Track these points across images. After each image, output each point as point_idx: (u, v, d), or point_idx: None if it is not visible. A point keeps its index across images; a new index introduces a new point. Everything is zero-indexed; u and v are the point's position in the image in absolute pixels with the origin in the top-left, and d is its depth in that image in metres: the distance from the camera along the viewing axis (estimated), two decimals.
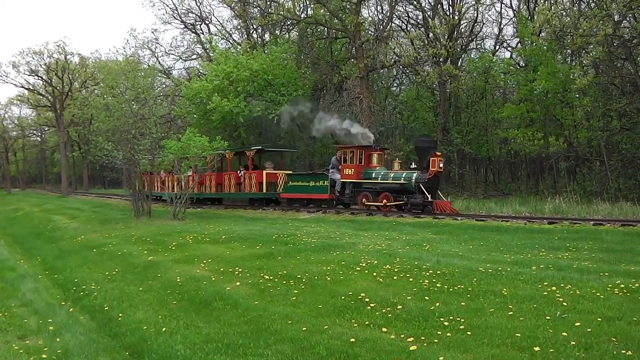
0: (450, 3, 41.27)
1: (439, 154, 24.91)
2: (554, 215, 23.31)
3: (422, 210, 24.12)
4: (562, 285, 9.89)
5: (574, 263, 11.86)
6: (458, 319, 8.37)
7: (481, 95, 40.17)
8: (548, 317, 8.21)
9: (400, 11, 42.29)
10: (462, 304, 9.10)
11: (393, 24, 41.48)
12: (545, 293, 9.46)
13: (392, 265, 11.96)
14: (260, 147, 32.64)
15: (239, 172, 33.15)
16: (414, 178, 24.36)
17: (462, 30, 42.60)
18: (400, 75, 47.58)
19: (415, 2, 40.32)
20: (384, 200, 25.41)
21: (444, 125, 37.72)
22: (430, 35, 38.63)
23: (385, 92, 46.18)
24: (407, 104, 43.06)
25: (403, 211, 24.80)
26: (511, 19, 43.80)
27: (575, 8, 34.97)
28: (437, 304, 9.11)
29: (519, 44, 39.51)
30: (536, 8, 36.42)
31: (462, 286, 10.10)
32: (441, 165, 24.60)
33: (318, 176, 28.58)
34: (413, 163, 26.09)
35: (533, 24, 34.21)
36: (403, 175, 25.02)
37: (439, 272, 11.19)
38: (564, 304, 8.84)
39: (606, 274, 10.70)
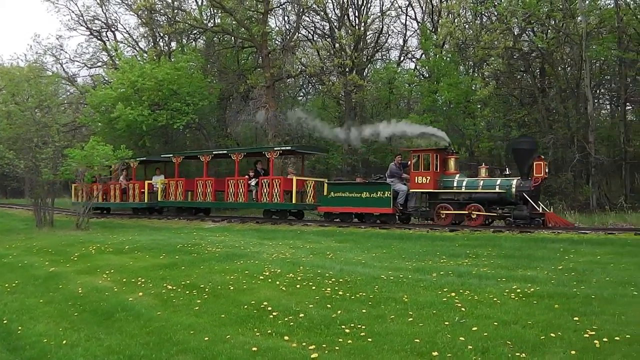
0: (356, 14, 41.78)
1: (542, 157, 21.25)
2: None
3: (528, 224, 20.07)
4: (461, 291, 10.16)
5: (473, 269, 12.20)
6: (359, 326, 8.48)
7: (386, 105, 40.71)
8: (447, 323, 8.41)
9: (307, 21, 42.78)
10: (364, 311, 9.23)
11: (300, 34, 41.90)
12: (445, 299, 9.70)
13: (296, 273, 12.05)
14: (289, 147, 28.14)
15: (248, 177, 27.90)
16: (514, 186, 20.43)
17: (368, 41, 43.16)
18: (307, 84, 47.92)
19: (321, 13, 40.73)
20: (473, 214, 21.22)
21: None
22: (337, 45, 39.08)
23: (291, 102, 46.37)
24: (313, 113, 43.32)
25: (488, 225, 21.32)
26: (415, 30, 44.62)
27: (477, 21, 35.90)
28: (339, 312, 9.21)
29: (424, 55, 40.26)
30: (440, 21, 37.21)
31: (364, 294, 10.24)
32: (547, 170, 21.13)
33: (377, 186, 23.45)
34: (507, 169, 22.46)
35: (437, 35, 34.97)
36: (498, 183, 21.00)
37: (341, 280, 11.33)
38: (463, 309, 9.09)
39: (504, 279, 11.05)
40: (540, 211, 20.17)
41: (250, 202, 28.04)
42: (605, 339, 7.38)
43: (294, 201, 26.06)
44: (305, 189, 26.84)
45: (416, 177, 22.48)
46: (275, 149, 27.62)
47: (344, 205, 24.29)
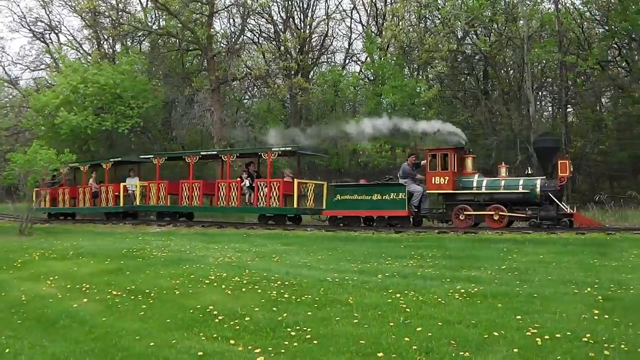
0: (302, 17, 41.88)
1: (567, 156, 20.87)
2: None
3: (555, 225, 19.25)
4: (406, 292, 10.20)
5: (418, 270, 12.29)
6: (305, 328, 8.47)
7: (331, 108, 40.79)
8: (392, 324, 8.45)
9: (253, 24, 42.64)
10: (309, 313, 9.24)
11: (245, 37, 41.80)
12: (390, 300, 9.74)
13: (241, 277, 12.00)
14: (289, 148, 25.89)
15: (241, 179, 26.33)
16: (538, 185, 19.62)
17: (313, 44, 43.24)
18: (252, 87, 47.83)
19: (267, 16, 40.78)
20: (495, 215, 20.19)
21: (294, 138, 38.14)
22: (282, 48, 39.13)
23: (236, 105, 46.26)
24: (259, 116, 43.26)
25: (509, 227, 20.11)
26: (360, 33, 44.85)
27: (421, 24, 36.23)
28: (285, 315, 9.20)
29: (368, 58, 40.51)
30: (384, 24, 37.47)
31: (310, 296, 10.26)
32: (571, 169, 20.40)
33: (389, 187, 22.11)
34: (529, 169, 21.68)
35: (381, 39, 35.23)
36: (521, 183, 20.11)
37: (287, 283, 11.32)
38: (408, 310, 9.13)
39: (448, 279, 11.16)
40: (568, 212, 19.57)
41: (243, 206, 26.50)
42: (546, 337, 7.51)
43: (295, 205, 24.83)
44: (305, 192, 25.53)
45: (433, 178, 21.40)
46: (274, 149, 25.59)
47: (352, 208, 22.90)
